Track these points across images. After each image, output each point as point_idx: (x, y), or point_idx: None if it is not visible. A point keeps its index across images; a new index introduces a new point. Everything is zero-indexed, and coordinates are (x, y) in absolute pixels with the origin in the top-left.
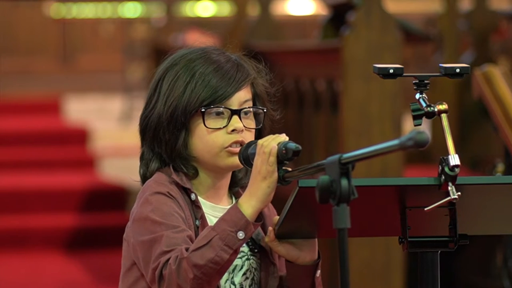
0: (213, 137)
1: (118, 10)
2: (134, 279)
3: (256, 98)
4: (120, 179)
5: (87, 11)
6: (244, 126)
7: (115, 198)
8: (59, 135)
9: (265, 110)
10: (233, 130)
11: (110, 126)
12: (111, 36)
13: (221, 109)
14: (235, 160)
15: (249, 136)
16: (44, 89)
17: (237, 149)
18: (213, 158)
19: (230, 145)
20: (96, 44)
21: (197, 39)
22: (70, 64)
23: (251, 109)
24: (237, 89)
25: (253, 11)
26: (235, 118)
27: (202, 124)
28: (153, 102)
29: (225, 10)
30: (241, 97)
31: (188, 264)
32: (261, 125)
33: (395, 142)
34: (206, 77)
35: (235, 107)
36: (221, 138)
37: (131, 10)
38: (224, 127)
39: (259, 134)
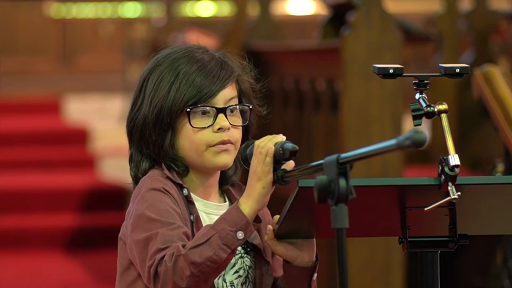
0: (199, 136)
1: (118, 10)
2: (133, 278)
3: (242, 95)
4: (120, 179)
5: (87, 11)
6: (230, 124)
7: (115, 198)
8: (59, 135)
9: (251, 107)
10: (219, 129)
11: (110, 126)
12: (111, 36)
13: (206, 108)
14: (221, 159)
15: (236, 134)
16: (44, 89)
17: (223, 146)
18: (199, 158)
19: (217, 144)
20: (96, 44)
21: (196, 39)
22: (70, 64)
23: (237, 107)
24: (222, 87)
25: (253, 11)
26: (221, 116)
27: (188, 124)
28: (138, 104)
29: (225, 10)
30: (226, 95)
31: (185, 261)
32: (247, 122)
33: (392, 141)
34: (190, 77)
35: (220, 106)
36: (207, 137)
37: (131, 10)
38: (210, 126)
39: (246, 131)
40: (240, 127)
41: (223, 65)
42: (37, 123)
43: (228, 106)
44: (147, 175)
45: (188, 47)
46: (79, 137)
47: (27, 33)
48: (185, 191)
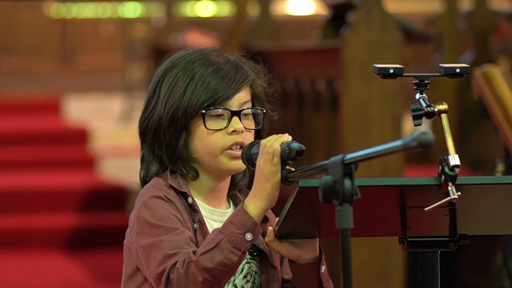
0: (213, 138)
1: (118, 10)
2: (137, 285)
3: (255, 99)
4: (120, 179)
5: (87, 11)
6: (244, 127)
7: (115, 198)
8: (59, 135)
9: (264, 111)
10: (233, 131)
11: (110, 126)
12: (111, 36)
13: (221, 110)
14: (236, 164)
15: (249, 137)
16: (44, 89)
17: (238, 152)
18: (214, 160)
19: (231, 147)
20: (96, 44)
21: (197, 39)
22: (70, 64)
23: (250, 110)
24: (237, 90)
25: (253, 11)
26: (235, 119)
27: (203, 126)
28: (152, 104)
29: (225, 10)
30: (241, 98)
31: (197, 268)
32: (260, 125)
33: (398, 142)
34: (206, 79)
35: (235, 108)
36: (221, 139)
37: (131, 10)
38: (224, 128)
39: (258, 134)
40: (253, 131)
41: (238, 69)
42: (37, 123)
43: (242, 109)
44: (149, 183)
45: (202, 49)
46: (79, 137)
47: (27, 33)
48: (189, 200)
